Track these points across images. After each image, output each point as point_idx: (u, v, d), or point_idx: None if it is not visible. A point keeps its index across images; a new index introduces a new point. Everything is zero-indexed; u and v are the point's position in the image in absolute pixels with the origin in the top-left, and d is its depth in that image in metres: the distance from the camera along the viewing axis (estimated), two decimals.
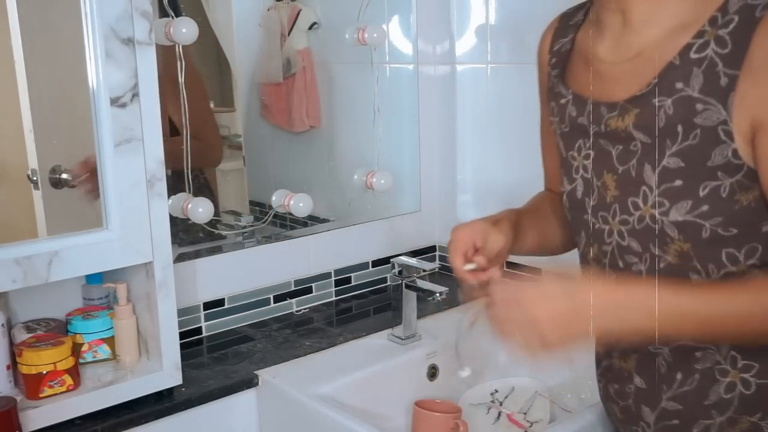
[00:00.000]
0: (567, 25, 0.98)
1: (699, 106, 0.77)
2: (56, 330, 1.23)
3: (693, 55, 0.78)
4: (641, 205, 0.84)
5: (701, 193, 0.79)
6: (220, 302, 1.53)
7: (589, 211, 0.92)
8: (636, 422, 0.94)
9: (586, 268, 0.96)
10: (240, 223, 1.61)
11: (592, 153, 0.90)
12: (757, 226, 0.80)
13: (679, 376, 0.88)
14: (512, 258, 1.68)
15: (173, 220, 1.40)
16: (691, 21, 0.79)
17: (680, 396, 0.88)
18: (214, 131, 1.57)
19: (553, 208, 1.09)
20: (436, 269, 1.87)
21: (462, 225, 0.99)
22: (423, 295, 1.45)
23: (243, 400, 1.34)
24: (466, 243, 0.97)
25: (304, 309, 1.66)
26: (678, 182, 0.80)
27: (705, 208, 0.79)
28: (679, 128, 0.79)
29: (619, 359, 0.95)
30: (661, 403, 0.90)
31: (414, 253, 1.79)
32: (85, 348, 1.23)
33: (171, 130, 1.40)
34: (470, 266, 0.97)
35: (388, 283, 1.78)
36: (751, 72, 0.74)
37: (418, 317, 1.51)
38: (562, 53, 0.96)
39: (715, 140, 0.77)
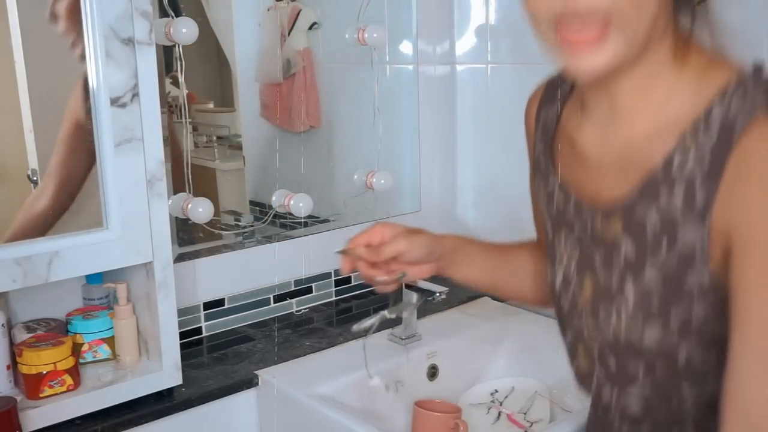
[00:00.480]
0: (553, 96, 0.91)
1: (679, 223, 0.72)
2: (56, 330, 1.23)
3: (675, 167, 0.72)
4: (614, 318, 0.78)
5: (672, 319, 0.74)
6: (220, 302, 1.53)
7: (565, 309, 0.87)
8: None
9: (572, 357, 0.90)
10: (240, 223, 1.61)
11: (577, 252, 0.84)
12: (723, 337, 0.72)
13: None
14: None
15: (173, 220, 1.40)
16: (679, 119, 0.73)
17: None
18: None
19: (533, 257, 1.03)
20: None
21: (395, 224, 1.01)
22: (423, 294, 1.45)
23: (243, 400, 1.34)
24: (381, 233, 0.97)
25: (304, 309, 1.66)
26: (654, 302, 0.75)
27: (674, 334, 0.74)
28: (664, 245, 0.74)
29: None
30: None
31: None
32: (85, 348, 1.23)
33: None
34: (340, 249, 0.99)
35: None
36: (726, 192, 0.68)
37: (418, 317, 1.51)
38: (547, 126, 0.91)
39: (689, 262, 0.72)
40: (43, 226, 1.14)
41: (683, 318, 0.74)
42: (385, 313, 1.00)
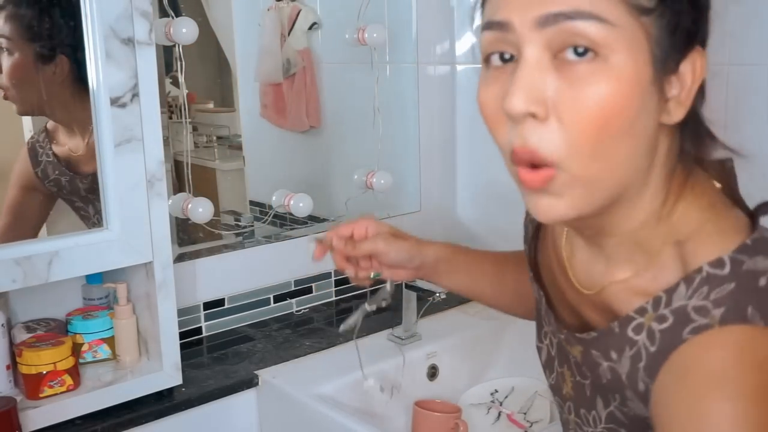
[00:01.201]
0: None
1: (627, 393, 0.68)
2: (56, 330, 1.23)
3: (630, 333, 0.67)
4: (591, 425, 0.75)
5: None
6: (220, 302, 1.53)
7: (548, 385, 0.85)
8: None
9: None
10: (240, 223, 1.61)
11: (556, 343, 0.80)
12: None
13: None
14: None
15: (173, 220, 1.40)
16: (644, 284, 0.68)
17: None
18: None
19: (518, 266, 0.98)
20: None
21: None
22: (423, 295, 1.45)
23: (243, 400, 1.34)
24: (364, 228, 0.95)
25: (304, 309, 1.66)
26: (622, 431, 0.72)
27: None
28: (617, 398, 0.70)
29: None
30: None
31: None
32: (85, 348, 1.23)
33: None
34: (315, 237, 1.00)
35: (388, 282, 1.77)
36: (657, 388, 0.64)
37: (418, 317, 1.51)
38: (534, 225, 0.87)
39: (643, 419, 0.68)
40: None
41: None
42: (365, 306, 0.99)
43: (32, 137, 1.21)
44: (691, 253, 0.65)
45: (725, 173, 0.71)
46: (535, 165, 0.62)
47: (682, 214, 0.67)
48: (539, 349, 0.86)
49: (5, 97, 1.14)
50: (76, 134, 1.20)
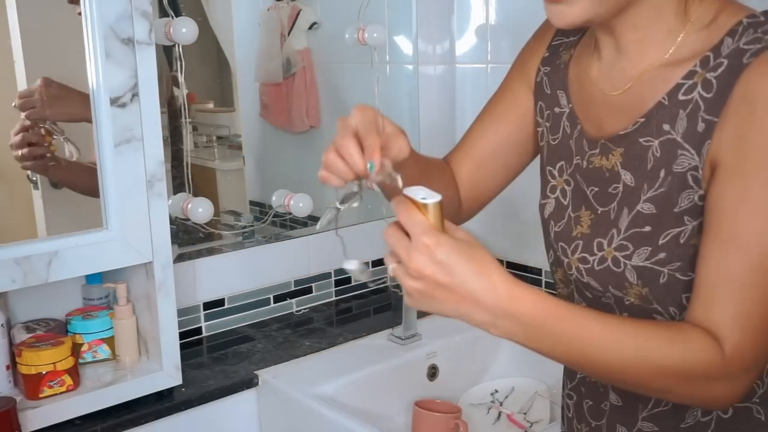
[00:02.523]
0: (570, 31, 0.93)
1: (678, 152, 0.76)
2: (56, 330, 1.23)
3: (681, 97, 0.76)
4: (605, 246, 0.81)
5: (661, 241, 0.77)
6: (220, 302, 1.53)
7: (552, 236, 0.89)
8: None
9: (558, 287, 0.92)
10: (240, 223, 1.61)
11: (572, 182, 0.87)
12: None
13: None
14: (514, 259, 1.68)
15: (173, 220, 1.40)
16: (685, 58, 0.77)
17: (656, 416, 0.85)
18: None
19: (441, 176, 0.96)
20: None
21: (366, 107, 0.81)
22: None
23: (243, 400, 1.34)
24: (368, 123, 0.77)
25: (304, 309, 1.66)
26: (647, 228, 0.78)
27: (662, 255, 0.77)
28: (662, 173, 0.77)
29: None
30: (637, 424, 0.86)
31: None
32: (84, 348, 1.23)
33: None
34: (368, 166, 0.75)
35: (389, 283, 1.78)
36: (727, 119, 0.72)
37: (418, 317, 1.51)
38: (560, 54, 0.92)
39: (683, 185, 0.75)
40: None
41: (672, 237, 0.77)
42: (337, 204, 0.89)
43: None
44: (724, 21, 0.75)
45: None
46: None
47: (700, 6, 0.77)
48: (543, 207, 0.92)
49: None
50: None
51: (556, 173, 0.90)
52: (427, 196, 0.70)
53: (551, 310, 0.69)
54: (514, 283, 0.69)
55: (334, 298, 1.70)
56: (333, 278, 1.70)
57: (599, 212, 0.83)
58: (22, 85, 1.18)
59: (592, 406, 0.92)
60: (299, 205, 1.54)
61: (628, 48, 0.81)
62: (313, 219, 1.65)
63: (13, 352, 1.15)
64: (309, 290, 1.66)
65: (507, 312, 0.68)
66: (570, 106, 0.88)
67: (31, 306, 1.25)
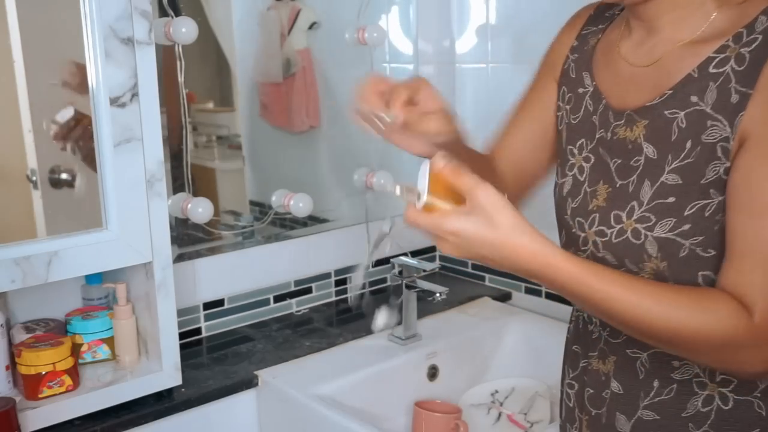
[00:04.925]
0: (602, 15, 0.96)
1: (708, 122, 0.77)
2: (55, 330, 1.23)
3: (712, 70, 0.77)
4: (624, 218, 0.82)
5: (686, 212, 0.78)
6: (219, 302, 1.53)
7: (568, 213, 0.90)
8: None
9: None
10: (240, 223, 1.61)
11: (592, 158, 0.88)
12: None
13: (656, 383, 0.86)
14: None
15: (173, 220, 1.40)
16: (717, 35, 0.79)
17: (657, 405, 0.86)
18: None
19: (492, 176, 0.98)
20: (437, 269, 1.87)
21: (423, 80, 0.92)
22: (423, 295, 1.45)
23: (243, 401, 1.34)
24: (409, 84, 0.87)
25: (304, 309, 1.65)
26: (671, 199, 0.79)
27: (687, 227, 0.78)
28: (688, 144, 0.78)
29: (598, 361, 0.92)
30: (638, 412, 0.87)
31: (414, 254, 1.79)
32: (84, 348, 1.23)
33: None
34: (387, 116, 0.80)
35: (389, 283, 1.78)
36: (760, 92, 0.73)
37: (418, 317, 1.51)
38: (588, 41, 0.95)
39: (711, 156, 0.76)
40: None
41: (698, 209, 0.78)
42: (365, 261, 0.93)
43: None
44: (757, 1, 0.77)
45: None
46: None
47: None
48: (561, 186, 0.93)
49: None
50: None
51: (576, 151, 0.91)
52: (418, 182, 0.75)
53: (584, 271, 0.73)
54: (542, 251, 0.73)
55: (334, 299, 1.70)
56: (333, 278, 1.69)
57: (618, 185, 0.84)
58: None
59: (593, 394, 0.93)
60: (299, 205, 1.54)
61: (663, 27, 0.83)
62: (313, 219, 1.65)
63: (13, 353, 1.15)
64: (309, 290, 1.66)
65: (542, 279, 0.74)
66: (594, 84, 0.90)
67: (30, 306, 1.25)
